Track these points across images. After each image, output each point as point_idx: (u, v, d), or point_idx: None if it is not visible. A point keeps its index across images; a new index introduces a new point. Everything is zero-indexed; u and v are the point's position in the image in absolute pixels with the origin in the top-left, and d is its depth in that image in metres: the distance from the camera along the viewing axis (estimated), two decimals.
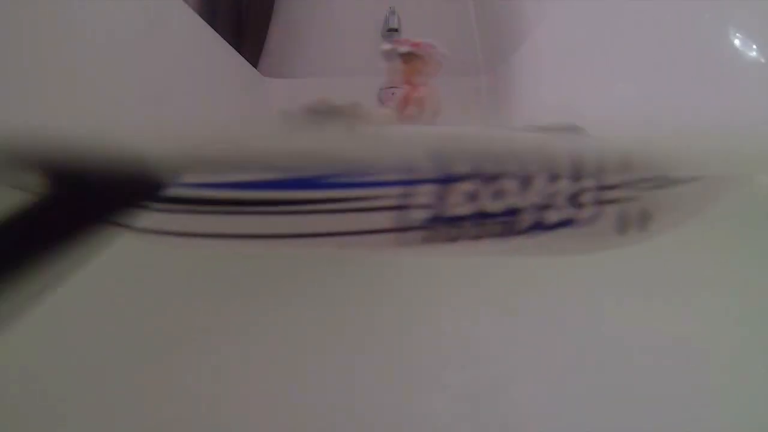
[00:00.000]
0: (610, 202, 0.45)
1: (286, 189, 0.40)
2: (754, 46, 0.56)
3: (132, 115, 0.84)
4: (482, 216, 0.42)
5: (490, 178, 0.41)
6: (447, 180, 0.40)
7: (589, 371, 0.58)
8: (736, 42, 0.58)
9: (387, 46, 1.07)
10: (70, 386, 0.53)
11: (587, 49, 0.99)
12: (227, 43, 1.45)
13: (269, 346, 0.64)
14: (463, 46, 1.98)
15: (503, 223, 0.43)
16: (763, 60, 0.55)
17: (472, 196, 0.41)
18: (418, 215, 0.41)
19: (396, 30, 1.95)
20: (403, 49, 1.04)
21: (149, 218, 0.41)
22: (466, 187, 0.40)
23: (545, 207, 0.43)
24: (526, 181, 0.42)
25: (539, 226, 0.44)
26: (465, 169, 0.40)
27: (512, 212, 0.43)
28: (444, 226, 0.42)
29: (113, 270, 0.54)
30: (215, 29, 1.37)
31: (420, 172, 0.40)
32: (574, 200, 0.43)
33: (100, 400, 0.52)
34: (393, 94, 2.02)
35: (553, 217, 0.44)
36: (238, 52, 1.58)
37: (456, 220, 0.42)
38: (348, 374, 0.60)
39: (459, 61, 1.96)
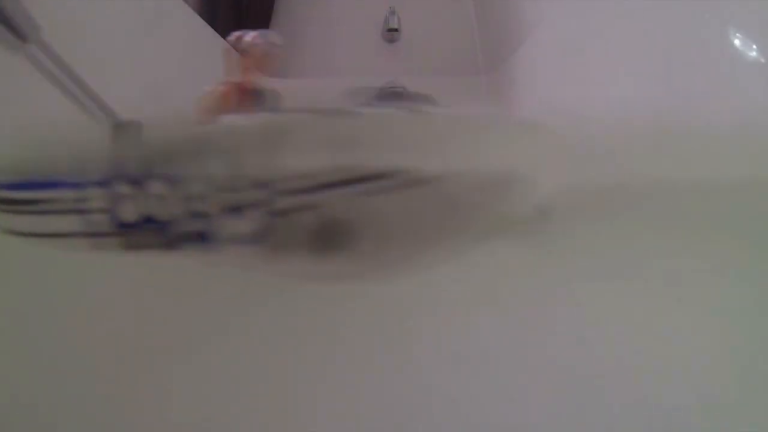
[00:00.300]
0: (285, 212, 0.38)
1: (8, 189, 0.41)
2: (754, 46, 0.56)
3: (131, 114, 0.84)
4: (149, 223, 0.39)
5: (137, 179, 0.37)
6: (105, 182, 0.37)
7: (575, 364, 0.59)
8: (736, 42, 0.58)
9: (230, 38, 0.95)
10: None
11: (587, 49, 0.99)
12: (227, 43, 1.45)
13: (262, 342, 0.64)
14: (463, 46, 1.98)
15: (162, 232, 0.39)
16: (763, 60, 0.55)
17: (133, 200, 0.38)
18: (101, 219, 0.39)
19: (396, 30, 1.95)
20: (239, 44, 0.93)
21: None
22: (122, 189, 0.37)
23: (201, 215, 0.38)
24: (173, 182, 0.37)
25: (200, 238, 0.39)
26: (125, 169, 0.37)
27: (168, 220, 0.38)
28: (130, 232, 0.39)
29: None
30: (215, 29, 1.37)
31: (88, 175, 0.38)
32: (237, 209, 0.38)
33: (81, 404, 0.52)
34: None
35: (214, 227, 0.38)
36: None
37: (131, 227, 0.39)
38: (342, 374, 0.60)
39: (459, 61, 1.96)
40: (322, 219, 0.39)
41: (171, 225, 0.38)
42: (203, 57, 1.32)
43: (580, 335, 0.64)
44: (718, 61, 0.60)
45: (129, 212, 0.38)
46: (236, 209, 0.38)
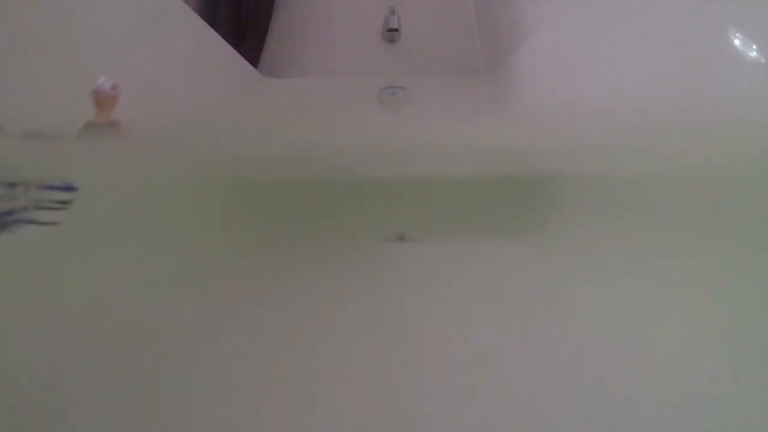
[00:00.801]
0: None
1: None
2: (754, 46, 0.56)
3: (132, 115, 0.84)
4: None
5: None
6: None
7: (576, 363, 0.59)
8: (736, 42, 0.58)
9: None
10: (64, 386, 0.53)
11: (587, 49, 0.99)
12: (227, 43, 1.45)
13: (263, 342, 0.64)
14: (463, 46, 1.98)
15: None
16: (763, 60, 0.55)
17: None
18: None
19: (396, 30, 1.94)
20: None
21: None
22: None
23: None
24: None
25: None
26: None
27: None
28: None
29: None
30: (215, 29, 1.37)
31: None
32: None
33: (94, 400, 0.52)
34: (393, 93, 2.02)
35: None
36: (238, 52, 1.58)
37: None
38: (342, 374, 0.60)
39: (459, 61, 1.96)
40: None
41: None
42: (203, 57, 1.32)
43: (581, 335, 0.64)
44: (718, 61, 0.60)
45: None
46: None
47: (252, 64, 1.75)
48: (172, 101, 1.03)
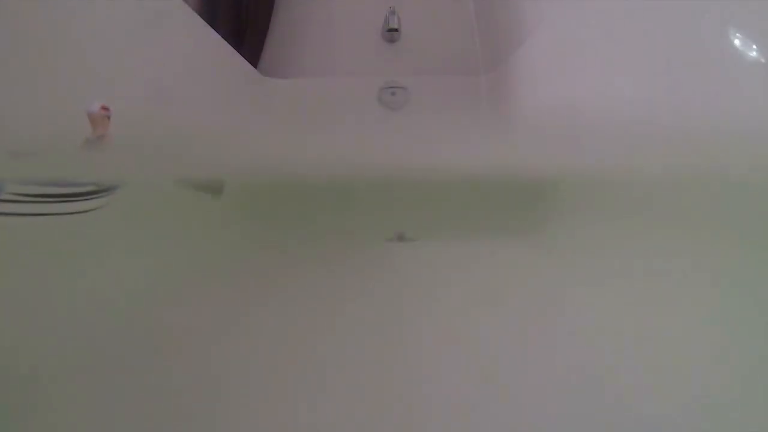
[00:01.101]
0: None
1: None
2: (754, 46, 0.56)
3: (131, 115, 0.84)
4: None
5: None
6: None
7: (575, 364, 0.59)
8: (736, 42, 0.58)
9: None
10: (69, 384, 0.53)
11: (587, 48, 0.99)
12: (227, 43, 1.45)
13: (264, 342, 0.64)
14: (463, 46, 1.98)
15: None
16: (763, 60, 0.55)
17: None
18: None
19: (396, 30, 1.95)
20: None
21: None
22: None
23: None
24: None
25: None
26: None
27: None
28: None
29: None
30: (215, 29, 1.37)
31: None
32: None
33: (97, 397, 0.52)
34: (393, 93, 2.03)
35: None
36: (238, 52, 1.58)
37: None
38: (342, 374, 0.60)
39: (459, 61, 1.96)
40: None
41: None
42: (203, 57, 1.32)
43: (581, 335, 0.64)
44: (718, 61, 0.60)
45: None
46: None
47: (252, 64, 1.75)
48: (172, 101, 1.03)
